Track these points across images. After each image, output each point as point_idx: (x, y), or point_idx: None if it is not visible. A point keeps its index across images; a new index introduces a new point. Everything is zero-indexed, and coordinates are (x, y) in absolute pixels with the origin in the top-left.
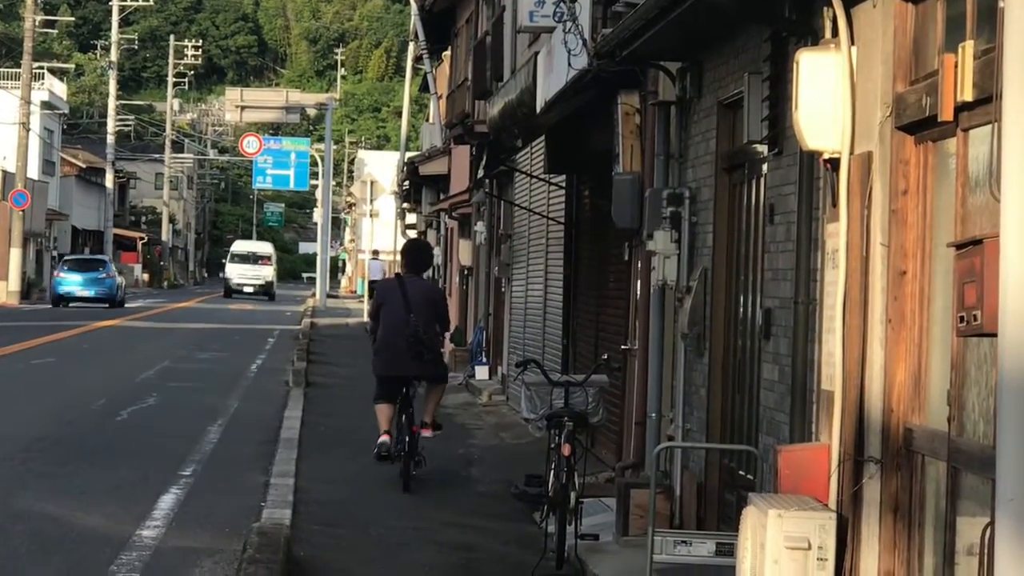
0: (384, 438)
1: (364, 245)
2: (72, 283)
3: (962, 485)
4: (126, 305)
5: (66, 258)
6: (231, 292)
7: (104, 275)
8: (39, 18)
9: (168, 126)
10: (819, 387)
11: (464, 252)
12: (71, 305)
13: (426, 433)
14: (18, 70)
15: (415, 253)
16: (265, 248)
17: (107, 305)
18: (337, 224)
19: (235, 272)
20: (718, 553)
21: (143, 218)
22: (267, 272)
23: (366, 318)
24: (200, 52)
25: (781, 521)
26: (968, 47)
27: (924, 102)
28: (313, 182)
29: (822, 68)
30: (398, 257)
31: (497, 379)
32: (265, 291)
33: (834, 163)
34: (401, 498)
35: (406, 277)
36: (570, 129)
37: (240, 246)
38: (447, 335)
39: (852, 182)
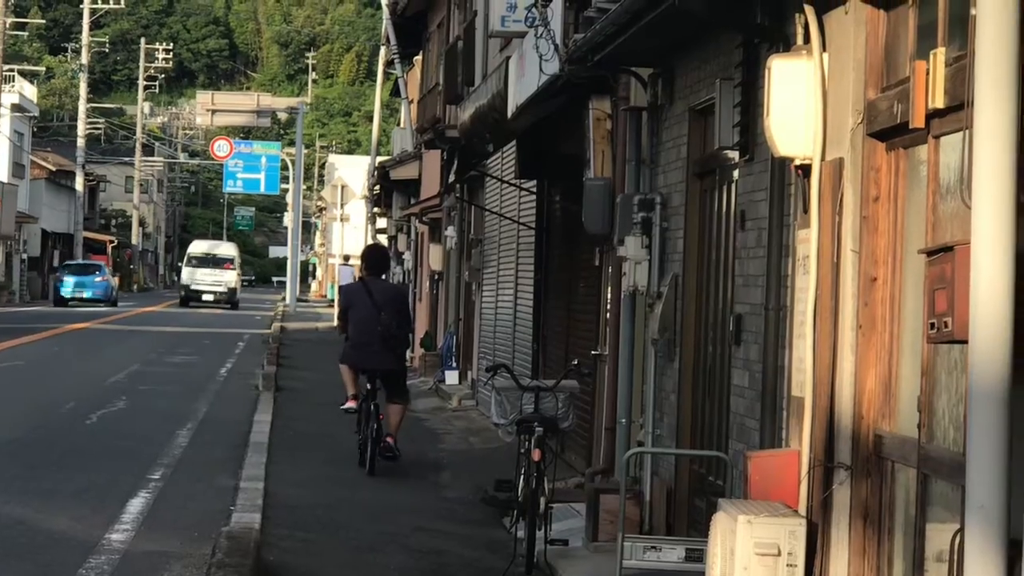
0: (351, 403)
1: (334, 249)
2: (72, 285)
3: (932, 492)
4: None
5: (66, 263)
6: (188, 300)
7: (100, 278)
8: (9, 20)
9: (139, 129)
10: (789, 393)
11: (435, 257)
12: (70, 304)
13: (389, 440)
14: None
15: (375, 257)
16: (227, 249)
17: (103, 304)
18: (308, 228)
19: (192, 277)
20: (688, 559)
21: (113, 221)
22: (229, 277)
23: (336, 322)
24: (171, 55)
25: (751, 527)
26: (940, 54)
27: (895, 109)
28: (284, 186)
29: (794, 74)
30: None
31: (467, 384)
32: (227, 299)
33: (805, 169)
34: (371, 502)
35: (369, 279)
36: (541, 134)
37: (198, 247)
38: (413, 336)
39: (823, 188)
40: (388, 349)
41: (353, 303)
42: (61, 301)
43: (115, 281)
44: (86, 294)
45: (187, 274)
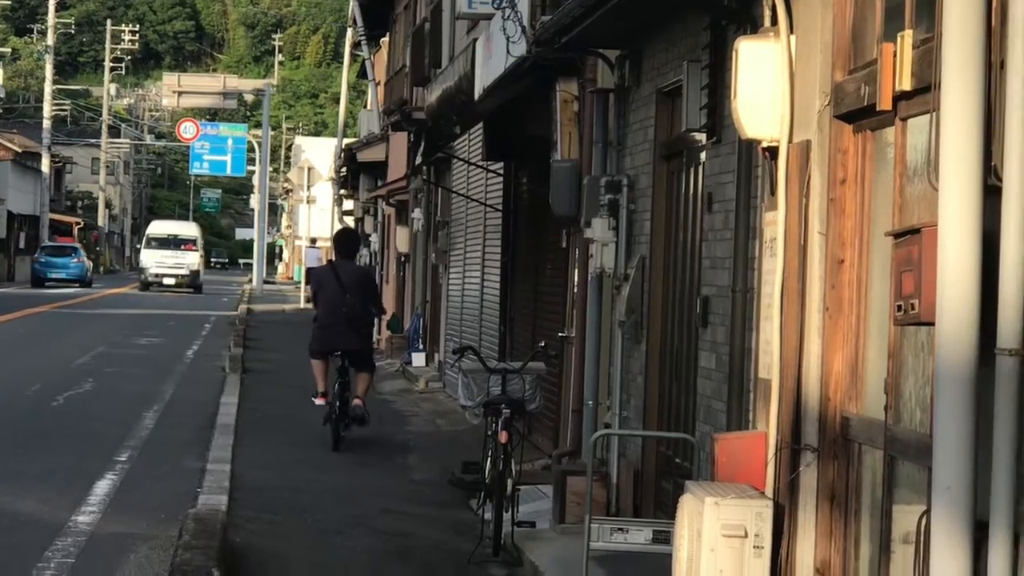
0: (321, 400)
1: (301, 231)
2: (50, 267)
3: (898, 473)
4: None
5: (43, 246)
6: (148, 285)
7: (76, 260)
8: None
9: (105, 111)
10: (756, 375)
11: (401, 239)
12: (48, 284)
13: (357, 402)
14: None
15: (345, 240)
16: (189, 230)
17: (78, 284)
18: (274, 210)
19: (152, 260)
20: (655, 541)
21: (79, 203)
22: (191, 259)
23: (303, 304)
24: (137, 37)
25: (718, 509)
26: (907, 36)
27: (863, 91)
28: (250, 168)
29: (761, 57)
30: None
31: (434, 366)
32: (190, 282)
33: (772, 152)
34: (338, 484)
35: (338, 262)
36: (508, 116)
37: (158, 227)
38: (384, 318)
39: (790, 171)
40: (353, 330)
41: (322, 285)
42: (39, 282)
43: (90, 263)
44: (63, 275)
45: (146, 257)
